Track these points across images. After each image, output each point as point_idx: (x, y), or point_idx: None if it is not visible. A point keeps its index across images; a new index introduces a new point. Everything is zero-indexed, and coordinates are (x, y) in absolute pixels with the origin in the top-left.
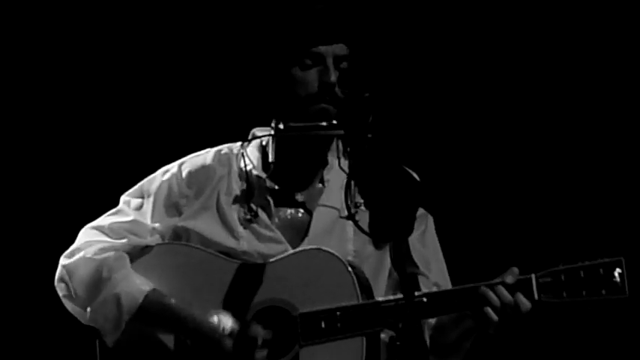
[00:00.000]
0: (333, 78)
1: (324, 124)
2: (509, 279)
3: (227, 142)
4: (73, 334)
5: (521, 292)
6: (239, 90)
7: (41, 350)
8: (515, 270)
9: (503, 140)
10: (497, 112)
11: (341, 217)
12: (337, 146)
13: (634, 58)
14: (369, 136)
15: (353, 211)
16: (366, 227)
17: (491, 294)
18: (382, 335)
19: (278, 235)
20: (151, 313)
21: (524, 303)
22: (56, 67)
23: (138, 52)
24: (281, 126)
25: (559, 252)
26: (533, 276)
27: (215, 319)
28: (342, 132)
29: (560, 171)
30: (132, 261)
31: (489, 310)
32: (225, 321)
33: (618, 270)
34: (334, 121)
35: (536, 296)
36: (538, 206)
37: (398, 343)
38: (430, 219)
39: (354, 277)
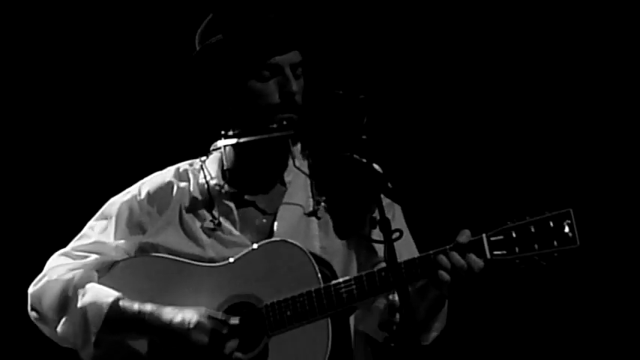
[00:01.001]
0: (295, 87)
1: (274, 126)
2: (462, 238)
3: (191, 159)
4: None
5: (473, 253)
6: (201, 105)
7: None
8: (467, 232)
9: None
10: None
11: (305, 214)
12: (292, 148)
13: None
14: (364, 137)
15: (316, 207)
16: (330, 223)
17: (442, 258)
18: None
19: (242, 238)
20: (119, 321)
21: (477, 262)
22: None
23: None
24: (231, 132)
25: (505, 211)
26: (483, 235)
27: (180, 315)
28: (292, 132)
29: (497, 132)
30: (100, 277)
31: (442, 272)
32: (190, 315)
33: (567, 221)
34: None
35: (488, 255)
36: (482, 167)
37: (392, 345)
38: (397, 208)
39: (314, 262)
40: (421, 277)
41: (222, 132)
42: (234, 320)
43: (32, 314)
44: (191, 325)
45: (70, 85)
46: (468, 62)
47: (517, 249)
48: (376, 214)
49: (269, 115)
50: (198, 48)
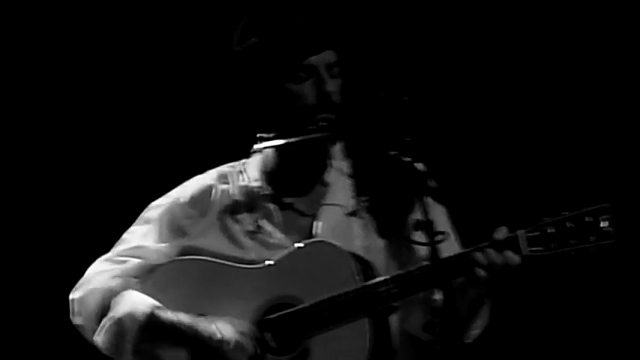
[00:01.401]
0: (330, 87)
1: (313, 127)
2: (499, 235)
3: (231, 162)
4: None
5: (509, 249)
6: (239, 109)
7: None
8: (503, 228)
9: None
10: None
11: (346, 215)
12: (333, 148)
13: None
14: (408, 139)
15: (357, 207)
16: (371, 223)
17: (479, 255)
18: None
19: (284, 240)
20: (155, 331)
21: (513, 258)
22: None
23: (132, 76)
24: (270, 135)
25: (542, 208)
26: (520, 232)
27: (213, 326)
28: (328, 134)
29: (534, 128)
30: (141, 282)
31: (479, 269)
32: (223, 326)
33: (605, 216)
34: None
35: (524, 251)
36: (518, 164)
37: (436, 347)
38: (441, 209)
39: (353, 262)
40: (458, 275)
41: (261, 135)
42: (272, 343)
43: (75, 320)
44: (230, 346)
45: (112, 88)
46: (503, 62)
47: (553, 245)
48: (419, 216)
49: (306, 116)
50: (234, 51)
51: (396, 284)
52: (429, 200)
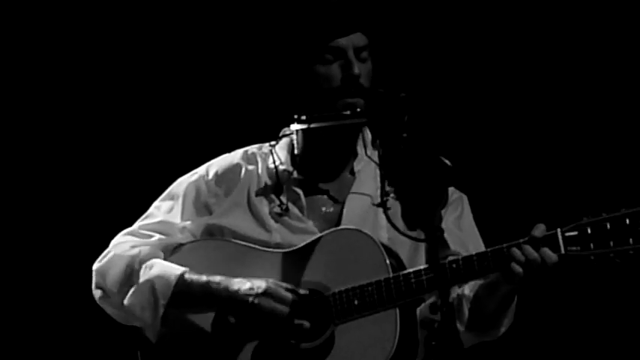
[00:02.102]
0: (357, 70)
1: (348, 112)
2: (537, 232)
3: (258, 143)
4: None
5: (547, 247)
6: (268, 92)
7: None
8: (542, 226)
9: (519, 100)
10: (515, 90)
11: (373, 205)
12: (363, 136)
13: None
14: (405, 135)
15: (385, 198)
16: (398, 215)
17: (516, 251)
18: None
19: (310, 225)
20: (187, 293)
21: (550, 256)
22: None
23: (167, 59)
24: (303, 117)
25: (582, 208)
26: (558, 230)
27: (248, 283)
28: (364, 120)
29: (577, 130)
30: (165, 258)
31: (515, 265)
32: (259, 282)
33: None
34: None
35: (562, 250)
36: (559, 164)
37: (433, 342)
38: (465, 200)
39: (383, 251)
40: (493, 270)
41: (296, 116)
42: (304, 290)
43: (97, 292)
44: (260, 291)
45: (140, 68)
46: (540, 56)
47: (592, 245)
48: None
49: (332, 99)
50: (264, 34)
51: (429, 276)
52: (454, 195)
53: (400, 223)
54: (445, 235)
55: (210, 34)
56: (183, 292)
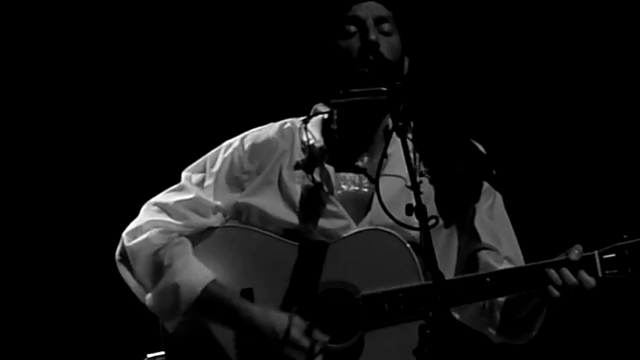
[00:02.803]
0: (373, 37)
1: (384, 89)
2: (574, 255)
3: (291, 117)
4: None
5: (584, 270)
6: (299, 67)
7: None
8: (579, 247)
9: (562, 119)
10: (561, 93)
11: (407, 187)
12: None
13: None
14: (400, 124)
15: (419, 180)
16: (431, 197)
17: (553, 273)
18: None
19: (340, 209)
20: (209, 305)
21: (588, 281)
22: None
23: (196, 38)
24: (340, 92)
25: (619, 227)
26: (596, 253)
27: (271, 325)
28: (383, 97)
29: (617, 147)
30: (194, 244)
31: (552, 288)
32: (282, 325)
33: None
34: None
35: (600, 273)
36: (598, 182)
37: (428, 331)
38: (498, 195)
39: (415, 257)
40: (529, 288)
41: (340, 91)
42: (325, 337)
43: (122, 264)
44: (281, 336)
45: (155, 55)
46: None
47: (630, 269)
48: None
49: (348, 70)
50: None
51: (463, 288)
52: (485, 186)
53: (433, 207)
54: (477, 225)
55: (230, 15)
56: (205, 303)
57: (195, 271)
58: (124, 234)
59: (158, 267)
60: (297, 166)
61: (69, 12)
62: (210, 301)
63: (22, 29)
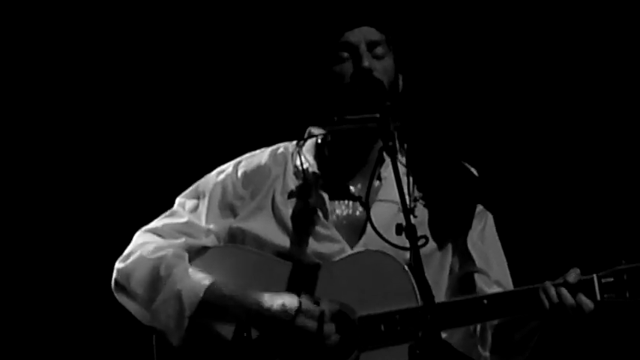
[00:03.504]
0: (366, 63)
1: (377, 115)
2: (572, 278)
3: (284, 141)
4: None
5: (583, 293)
6: (293, 90)
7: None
8: (577, 270)
9: (562, 140)
10: (560, 111)
11: (400, 212)
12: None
13: None
14: (390, 144)
15: (412, 205)
16: (425, 222)
17: (552, 292)
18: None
19: (334, 233)
20: (213, 305)
21: (587, 304)
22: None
23: (190, 63)
24: (334, 119)
25: (618, 251)
26: (594, 276)
27: (280, 300)
28: (380, 122)
29: (618, 170)
30: (189, 262)
31: (546, 303)
32: (291, 300)
33: None
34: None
35: (598, 297)
36: (596, 205)
37: (418, 351)
38: (490, 216)
39: (412, 279)
40: (526, 311)
41: (337, 117)
42: (334, 306)
43: (118, 289)
44: (292, 308)
45: (162, 70)
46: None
47: (628, 293)
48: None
49: (341, 96)
50: (282, 35)
51: (460, 311)
52: (479, 208)
53: (427, 232)
54: (470, 248)
55: (230, 38)
56: (210, 303)
57: (195, 276)
58: (116, 262)
59: (156, 280)
60: (290, 195)
61: (69, 13)
62: (213, 301)
63: (22, 29)
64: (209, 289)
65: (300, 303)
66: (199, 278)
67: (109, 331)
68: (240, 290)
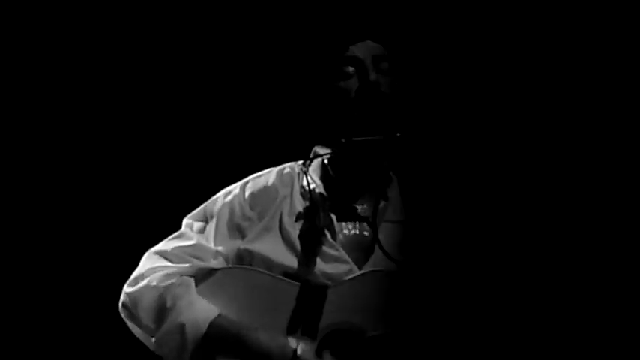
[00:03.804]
0: (373, 77)
1: (383, 137)
2: None
3: (289, 161)
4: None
5: None
6: (299, 109)
7: None
8: None
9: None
10: (552, 134)
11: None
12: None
13: None
14: (395, 177)
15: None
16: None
17: None
18: None
19: (343, 254)
20: (216, 340)
21: None
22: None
23: (193, 80)
24: (342, 140)
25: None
26: None
27: (281, 343)
28: (379, 137)
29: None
30: (196, 285)
31: None
32: (289, 348)
33: None
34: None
35: None
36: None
37: None
38: None
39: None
40: None
41: (340, 138)
42: (330, 357)
43: (125, 313)
44: (290, 357)
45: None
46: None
47: None
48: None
49: (347, 113)
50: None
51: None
52: None
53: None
54: None
55: (235, 58)
56: (212, 338)
57: (200, 309)
58: (125, 285)
59: (161, 310)
60: (298, 217)
61: (69, 13)
62: (216, 336)
63: (22, 29)
64: (212, 324)
65: (296, 351)
66: (204, 311)
67: (109, 333)
68: (242, 326)
